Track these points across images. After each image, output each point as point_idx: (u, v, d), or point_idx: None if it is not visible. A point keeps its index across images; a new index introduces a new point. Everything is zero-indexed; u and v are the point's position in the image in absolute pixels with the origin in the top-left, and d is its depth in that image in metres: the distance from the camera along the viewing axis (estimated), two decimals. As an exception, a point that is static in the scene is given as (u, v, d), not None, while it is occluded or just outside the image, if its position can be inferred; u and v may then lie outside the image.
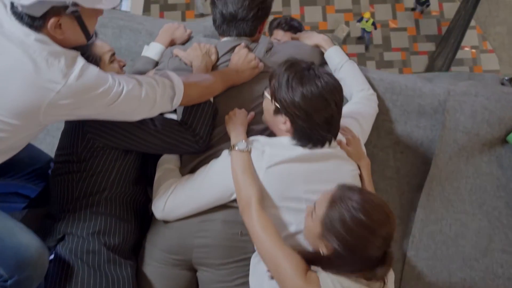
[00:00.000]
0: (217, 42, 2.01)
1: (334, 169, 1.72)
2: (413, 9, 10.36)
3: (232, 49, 1.96)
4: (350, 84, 2.09)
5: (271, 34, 3.09)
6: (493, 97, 2.23)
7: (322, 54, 2.17)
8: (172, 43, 2.22)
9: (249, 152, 1.70)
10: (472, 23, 10.33)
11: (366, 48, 10.79)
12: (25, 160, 1.99)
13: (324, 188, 1.58)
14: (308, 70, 1.63)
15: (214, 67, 1.96)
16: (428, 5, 10.11)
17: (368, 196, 1.51)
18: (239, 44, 1.94)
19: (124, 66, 1.93)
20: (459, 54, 10.30)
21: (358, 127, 1.92)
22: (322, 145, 1.68)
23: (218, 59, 1.97)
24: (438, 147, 2.19)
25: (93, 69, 1.48)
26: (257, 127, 1.85)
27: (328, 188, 1.56)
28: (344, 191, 1.51)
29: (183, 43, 2.24)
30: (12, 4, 1.40)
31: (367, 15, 10.26)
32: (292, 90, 1.61)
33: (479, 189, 2.27)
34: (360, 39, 10.83)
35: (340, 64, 2.10)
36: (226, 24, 1.93)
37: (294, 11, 11.26)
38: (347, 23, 11.30)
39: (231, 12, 1.88)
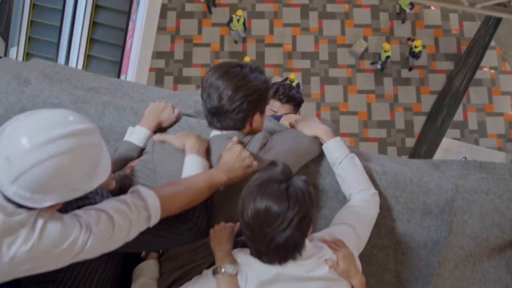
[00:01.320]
0: (209, 138, 1.90)
1: None
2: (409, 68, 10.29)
3: (222, 144, 1.83)
4: (349, 183, 1.94)
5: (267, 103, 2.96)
6: (505, 196, 2.09)
7: (320, 147, 2.03)
8: (158, 126, 2.07)
9: (236, 275, 1.58)
10: (492, 43, 10.25)
11: (382, 69, 10.79)
12: None
13: None
14: (279, 184, 1.50)
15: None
16: (418, 58, 10.18)
17: None
18: (230, 139, 1.81)
19: (112, 178, 1.75)
20: (478, 74, 10.21)
21: (353, 236, 1.79)
22: (279, 262, 1.56)
23: (209, 156, 1.86)
24: (443, 254, 2.07)
25: (54, 226, 1.38)
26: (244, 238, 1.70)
27: None
28: None
29: (170, 126, 2.11)
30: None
31: (387, 47, 10.34)
32: (248, 204, 1.50)
33: (487, 297, 2.15)
34: (373, 64, 10.96)
35: (339, 160, 1.95)
36: (211, 116, 1.81)
37: (312, 24, 11.23)
38: (365, 38, 11.27)
39: (214, 106, 1.76)
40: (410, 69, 10.31)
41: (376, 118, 10.14)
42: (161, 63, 10.32)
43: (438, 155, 9.81)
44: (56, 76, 2.24)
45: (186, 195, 1.65)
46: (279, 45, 10.55)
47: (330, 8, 10.79)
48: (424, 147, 9.86)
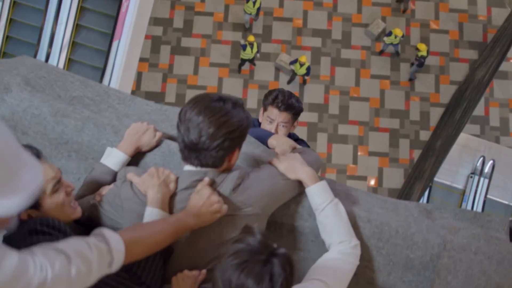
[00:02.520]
0: (179, 172, 1.85)
1: None
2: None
3: (194, 183, 1.79)
4: (329, 232, 1.91)
5: (265, 109, 2.79)
6: (495, 258, 2.04)
7: (302, 186, 1.97)
8: (137, 150, 2.06)
9: None
10: (522, 33, 9.47)
11: (397, 53, 9.87)
12: None
13: None
14: (260, 264, 1.46)
15: (171, 199, 1.83)
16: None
17: None
18: (201, 179, 1.79)
19: (72, 190, 1.79)
20: (504, 66, 9.30)
21: None
22: None
23: (176, 192, 1.83)
24: None
25: (9, 262, 1.30)
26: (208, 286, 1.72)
27: None
28: None
29: (150, 150, 2.10)
30: None
31: (397, 32, 9.40)
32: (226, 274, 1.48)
33: None
34: (382, 52, 10.05)
35: (322, 206, 1.91)
36: (188, 152, 1.75)
37: (326, -1, 10.42)
38: (383, 19, 10.35)
39: (192, 141, 1.70)
40: (410, 80, 9.43)
41: (389, 107, 9.31)
42: (158, 31, 9.50)
43: (454, 151, 9.04)
44: (40, 83, 2.24)
45: (151, 241, 1.67)
46: (289, 19, 9.69)
47: (347, -17, 9.89)
48: (439, 141, 9.07)
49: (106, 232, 1.55)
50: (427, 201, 9.22)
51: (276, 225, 2.02)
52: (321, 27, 9.66)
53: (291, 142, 2.31)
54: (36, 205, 1.63)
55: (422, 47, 8.85)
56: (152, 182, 1.77)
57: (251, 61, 9.14)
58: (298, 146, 2.28)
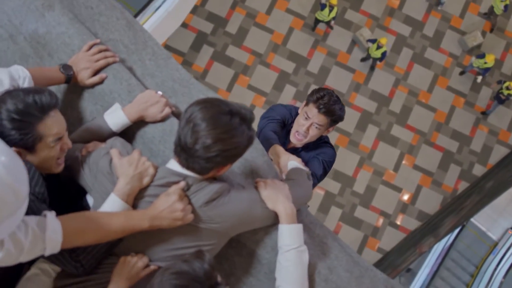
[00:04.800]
0: (161, 167, 1.84)
1: None
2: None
3: (170, 184, 1.77)
4: (283, 276, 1.87)
5: (306, 104, 2.71)
6: None
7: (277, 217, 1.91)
8: (140, 119, 2.04)
9: None
10: None
11: (482, 77, 8.87)
12: None
13: None
14: None
15: (142, 190, 1.80)
16: None
17: None
18: (178, 182, 1.77)
19: (67, 149, 1.82)
20: None
21: None
22: None
23: (149, 185, 1.80)
24: None
25: None
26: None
27: None
28: None
29: (154, 123, 2.08)
30: None
31: (489, 58, 8.49)
32: None
33: None
34: (463, 73, 9.08)
35: (287, 248, 1.86)
36: (180, 149, 1.70)
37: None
38: (483, 33, 9.35)
39: (187, 144, 1.66)
40: (485, 113, 8.49)
41: (453, 126, 8.43)
42: (207, 27, 8.47)
43: (503, 199, 8.25)
44: (83, 13, 2.24)
45: (95, 234, 1.70)
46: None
47: (461, -19, 8.87)
48: (491, 183, 8.22)
49: (49, 219, 1.58)
50: (454, 240, 8.41)
51: (239, 244, 1.98)
52: (416, 17, 8.73)
53: (292, 160, 2.22)
54: (31, 148, 1.66)
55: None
56: (127, 170, 1.77)
57: (328, 23, 8.23)
58: (299, 165, 2.16)
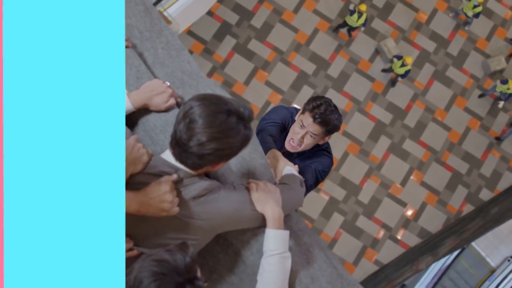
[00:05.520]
0: (155, 156, 1.84)
1: None
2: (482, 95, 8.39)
3: (162, 173, 1.77)
4: (265, 280, 1.86)
5: (303, 112, 2.65)
6: None
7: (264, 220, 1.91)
8: (144, 107, 2.06)
9: None
10: None
11: (504, 101, 8.83)
12: None
13: None
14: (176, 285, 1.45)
15: (131, 178, 1.79)
16: None
17: None
18: (170, 173, 1.77)
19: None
20: None
21: None
22: None
23: (141, 172, 1.79)
24: None
25: None
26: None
27: None
28: None
29: (157, 112, 2.10)
30: None
31: None
32: None
33: None
34: (483, 95, 9.12)
35: (271, 253, 1.86)
36: (175, 142, 1.70)
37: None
38: (507, 59, 9.31)
39: (181, 139, 1.65)
40: (499, 139, 8.41)
41: (466, 148, 8.36)
42: (233, 18, 8.39)
43: (506, 227, 8.17)
44: None
45: None
46: (415, 9, 8.69)
47: (491, 3, 8.78)
48: (496, 209, 8.15)
49: None
50: (454, 260, 8.36)
51: (225, 242, 1.99)
52: (442, 34, 8.65)
53: (287, 167, 2.23)
54: None
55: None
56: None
57: (353, 29, 8.17)
58: (295, 172, 2.16)
